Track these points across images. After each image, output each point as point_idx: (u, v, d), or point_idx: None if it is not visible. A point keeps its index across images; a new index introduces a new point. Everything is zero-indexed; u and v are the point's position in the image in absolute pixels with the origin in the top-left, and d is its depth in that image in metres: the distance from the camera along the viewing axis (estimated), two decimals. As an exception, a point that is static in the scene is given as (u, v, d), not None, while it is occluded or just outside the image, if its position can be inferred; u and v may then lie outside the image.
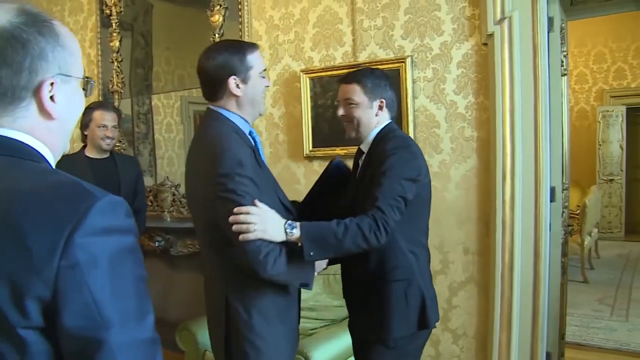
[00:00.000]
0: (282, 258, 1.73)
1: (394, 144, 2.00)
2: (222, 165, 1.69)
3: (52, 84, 0.91)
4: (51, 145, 0.95)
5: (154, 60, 4.28)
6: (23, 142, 0.90)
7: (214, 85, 1.87)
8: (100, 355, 0.78)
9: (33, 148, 0.91)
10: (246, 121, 1.91)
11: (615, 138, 8.38)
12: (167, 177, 4.19)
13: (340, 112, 2.14)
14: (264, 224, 1.67)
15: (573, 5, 3.29)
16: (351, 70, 3.19)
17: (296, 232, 1.74)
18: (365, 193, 1.97)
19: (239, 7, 3.66)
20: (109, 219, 0.82)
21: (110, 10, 4.32)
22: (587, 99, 8.71)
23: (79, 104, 1.01)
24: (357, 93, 2.09)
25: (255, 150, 1.86)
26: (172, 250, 3.94)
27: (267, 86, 1.99)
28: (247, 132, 1.90)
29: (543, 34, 2.72)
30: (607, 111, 8.38)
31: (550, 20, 2.81)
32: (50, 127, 0.94)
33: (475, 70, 2.95)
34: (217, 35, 3.73)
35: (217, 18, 3.73)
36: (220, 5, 3.72)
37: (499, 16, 2.78)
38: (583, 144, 8.24)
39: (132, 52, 4.37)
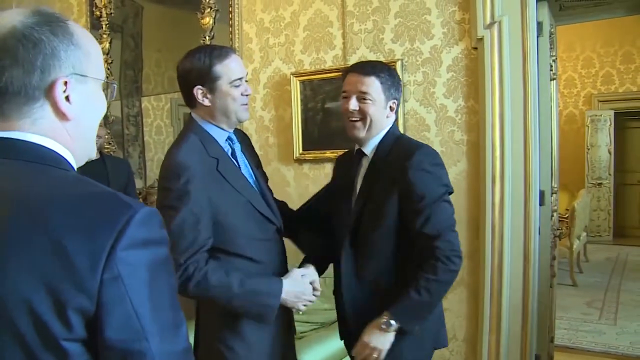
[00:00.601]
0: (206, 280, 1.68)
1: (417, 158, 1.80)
2: (162, 178, 1.75)
3: (65, 83, 0.89)
4: (72, 147, 0.93)
5: (144, 63, 4.27)
6: (46, 147, 0.88)
7: (183, 92, 1.82)
8: None
9: (57, 153, 0.90)
10: (223, 129, 1.84)
11: (603, 142, 8.45)
12: (157, 180, 4.16)
13: (352, 105, 1.86)
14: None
15: (562, 11, 3.31)
16: (341, 73, 3.20)
17: (394, 324, 1.78)
18: (377, 210, 1.85)
19: (230, 9, 3.65)
20: (147, 231, 0.82)
21: (101, 12, 4.30)
22: (576, 104, 8.78)
23: (99, 107, 0.98)
24: (376, 88, 1.86)
25: (223, 160, 1.78)
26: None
27: (247, 94, 1.83)
28: (221, 141, 1.83)
29: (532, 38, 2.74)
30: (596, 115, 8.45)
31: (540, 25, 2.83)
32: (67, 128, 0.91)
33: (465, 74, 2.96)
34: (207, 37, 3.72)
35: (208, 20, 3.72)
36: (211, 8, 3.71)
37: (488, 20, 2.79)
38: (572, 148, 8.30)
39: (122, 54, 4.35)
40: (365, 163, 1.96)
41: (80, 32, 0.93)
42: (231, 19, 3.65)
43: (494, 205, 2.82)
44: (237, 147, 1.90)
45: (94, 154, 1.03)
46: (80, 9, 4.51)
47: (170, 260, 0.87)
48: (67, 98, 0.89)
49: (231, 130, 1.87)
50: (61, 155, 0.90)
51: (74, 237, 0.77)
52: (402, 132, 3.07)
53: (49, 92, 0.88)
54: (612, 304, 5.35)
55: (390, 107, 1.91)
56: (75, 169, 0.94)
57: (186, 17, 3.91)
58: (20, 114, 0.88)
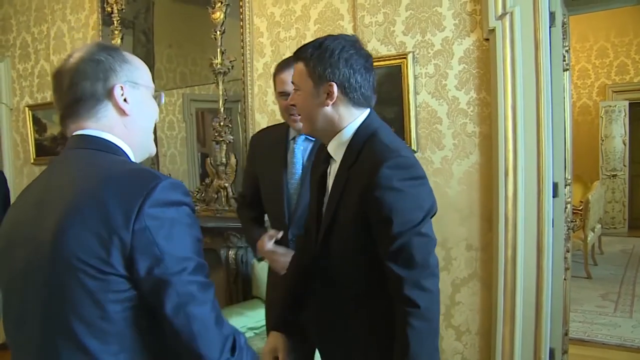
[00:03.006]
0: None
1: (384, 172, 1.45)
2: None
3: (122, 87, 1.23)
4: (129, 141, 1.26)
5: (156, 58, 4.28)
6: (105, 139, 1.22)
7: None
8: (167, 290, 1.06)
9: (113, 143, 1.23)
10: None
11: (618, 133, 8.37)
12: (170, 175, 4.19)
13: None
14: None
15: (575, 0, 3.27)
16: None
17: None
18: (344, 231, 1.56)
19: (240, 4, 3.64)
20: (170, 195, 1.10)
21: (112, 8, 4.31)
22: (590, 94, 8.69)
23: (151, 108, 1.32)
24: (299, 73, 1.63)
25: None
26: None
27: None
28: None
29: (545, 29, 2.71)
30: (610, 106, 8.37)
31: (552, 15, 2.80)
32: (125, 122, 1.25)
33: (477, 66, 2.94)
34: (218, 32, 3.72)
35: (219, 15, 3.72)
36: (222, 2, 3.71)
37: (500, 11, 2.76)
38: (586, 139, 8.24)
39: (134, 50, 4.36)
40: (333, 170, 1.64)
41: (130, 55, 1.29)
42: (242, 13, 3.64)
43: (507, 198, 2.80)
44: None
45: (154, 152, 1.35)
46: (92, 5, 4.53)
47: (194, 219, 1.14)
48: (125, 100, 1.24)
49: None
50: (117, 145, 1.23)
51: (115, 201, 1.06)
52: (414, 125, 3.07)
53: (110, 95, 1.23)
54: (628, 297, 5.31)
55: (328, 92, 1.55)
56: (132, 159, 1.26)
57: (197, 12, 3.91)
58: (89, 114, 1.23)
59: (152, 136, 1.34)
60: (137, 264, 1.05)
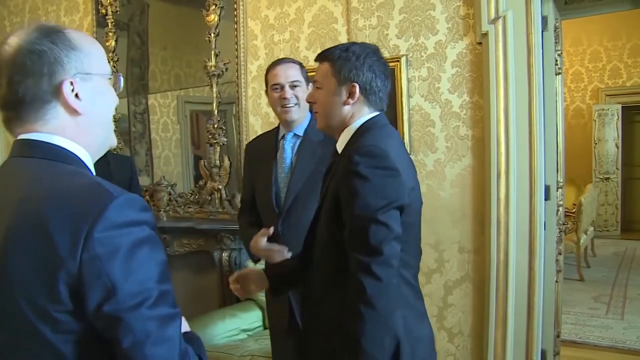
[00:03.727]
0: None
1: (355, 159, 1.55)
2: None
3: (71, 83, 1.02)
4: (85, 141, 1.06)
5: (150, 60, 4.28)
6: (55, 145, 1.02)
7: None
8: (120, 329, 0.89)
9: (63, 148, 1.03)
10: None
11: (611, 136, 8.42)
12: (164, 177, 4.18)
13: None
14: None
15: (567, 5, 3.30)
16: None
17: None
18: (326, 216, 1.67)
19: (235, 6, 3.65)
20: (125, 214, 0.92)
21: (106, 10, 4.32)
22: (583, 98, 8.74)
23: (109, 99, 1.12)
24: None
25: None
26: (168, 249, 3.94)
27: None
28: None
29: (537, 33, 2.73)
30: (603, 110, 8.42)
31: (544, 20, 2.82)
32: (78, 122, 1.05)
33: (469, 69, 2.96)
34: (212, 34, 3.74)
35: (213, 17, 3.73)
36: (216, 5, 3.72)
37: (493, 15, 2.78)
38: (579, 142, 8.28)
39: (128, 52, 4.36)
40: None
41: (78, 36, 1.06)
42: (236, 16, 3.65)
43: (499, 200, 2.82)
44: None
45: (114, 143, 1.17)
46: (86, 7, 4.53)
47: (156, 239, 0.97)
48: (76, 96, 1.03)
49: None
50: (69, 150, 1.04)
51: (59, 225, 0.89)
52: (407, 127, 3.09)
53: (58, 93, 1.02)
54: (620, 299, 5.34)
55: (350, 92, 1.67)
56: (91, 160, 1.08)
57: (191, 14, 3.91)
58: (36, 117, 1.02)
59: (112, 126, 1.16)
60: (86, 298, 0.89)
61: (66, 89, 1.02)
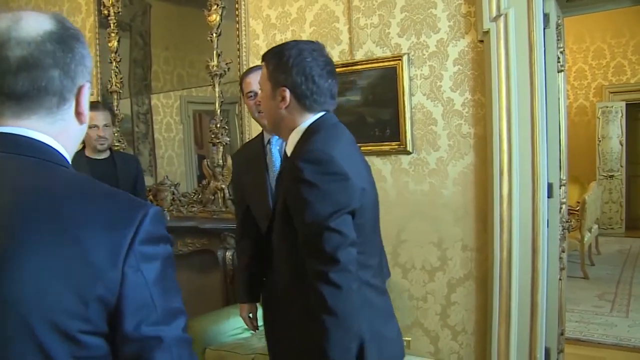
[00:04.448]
0: None
1: (299, 166, 1.52)
2: None
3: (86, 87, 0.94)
4: (69, 149, 0.95)
5: (153, 60, 4.29)
6: (52, 147, 0.90)
7: None
8: (159, 352, 0.82)
9: (60, 152, 0.92)
10: None
11: (614, 134, 8.39)
12: (167, 177, 4.19)
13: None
14: None
15: (569, 2, 3.29)
16: (348, 68, 3.21)
17: None
18: (278, 220, 1.66)
19: (236, 6, 3.66)
20: (159, 228, 0.86)
21: (108, 11, 4.33)
22: (587, 95, 8.71)
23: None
24: (262, 75, 1.78)
25: None
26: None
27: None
28: None
29: (539, 30, 2.73)
30: (607, 107, 8.39)
31: (546, 17, 2.81)
32: (74, 131, 0.95)
33: (471, 67, 2.96)
34: (214, 34, 3.74)
35: (214, 17, 3.74)
36: (218, 5, 3.72)
37: (494, 13, 2.78)
38: (583, 140, 8.25)
39: (131, 52, 4.38)
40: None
41: (82, 34, 0.96)
42: (237, 15, 3.66)
43: (501, 198, 2.81)
44: None
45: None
46: (89, 8, 4.54)
47: (173, 257, 0.91)
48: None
49: None
50: (63, 155, 0.92)
51: (92, 231, 0.79)
52: (409, 126, 3.09)
53: (78, 96, 0.93)
54: (624, 297, 5.33)
55: (282, 96, 1.63)
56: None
57: (193, 14, 3.92)
58: (45, 112, 0.89)
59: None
60: (123, 316, 0.79)
61: (86, 93, 0.94)
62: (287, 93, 1.62)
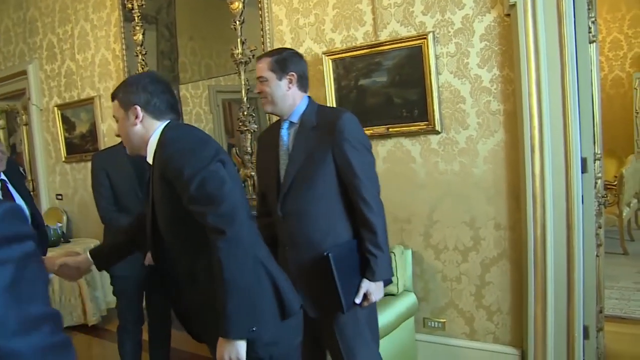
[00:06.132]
0: None
1: (166, 146, 1.81)
2: None
3: None
4: None
5: (180, 51, 4.32)
6: None
7: None
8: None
9: None
10: None
11: (653, 105, 8.11)
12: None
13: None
14: None
15: (600, -31, 3.18)
16: (373, 49, 3.18)
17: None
18: (161, 206, 1.90)
19: (258, -8, 3.65)
20: (11, 227, 0.79)
21: (132, 4, 4.37)
22: (622, 66, 8.42)
23: None
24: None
25: None
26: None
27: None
28: None
29: (568, 0, 2.64)
30: (644, 77, 8.10)
31: (576, -14, 2.72)
32: None
33: (498, 43, 2.89)
34: (237, 22, 3.74)
35: (237, 5, 3.73)
36: (240, -8, 3.72)
37: (521, -15, 2.70)
38: (619, 112, 8.00)
39: (158, 45, 4.41)
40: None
41: None
42: (260, 2, 3.65)
43: (534, 175, 2.76)
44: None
45: None
46: (113, 2, 4.59)
47: (38, 254, 0.84)
48: None
49: None
50: None
51: None
52: (437, 105, 3.06)
53: None
54: (666, 272, 5.18)
55: (135, 114, 1.89)
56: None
57: (216, 3, 3.93)
58: None
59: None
60: None
61: None
62: (139, 109, 1.87)
